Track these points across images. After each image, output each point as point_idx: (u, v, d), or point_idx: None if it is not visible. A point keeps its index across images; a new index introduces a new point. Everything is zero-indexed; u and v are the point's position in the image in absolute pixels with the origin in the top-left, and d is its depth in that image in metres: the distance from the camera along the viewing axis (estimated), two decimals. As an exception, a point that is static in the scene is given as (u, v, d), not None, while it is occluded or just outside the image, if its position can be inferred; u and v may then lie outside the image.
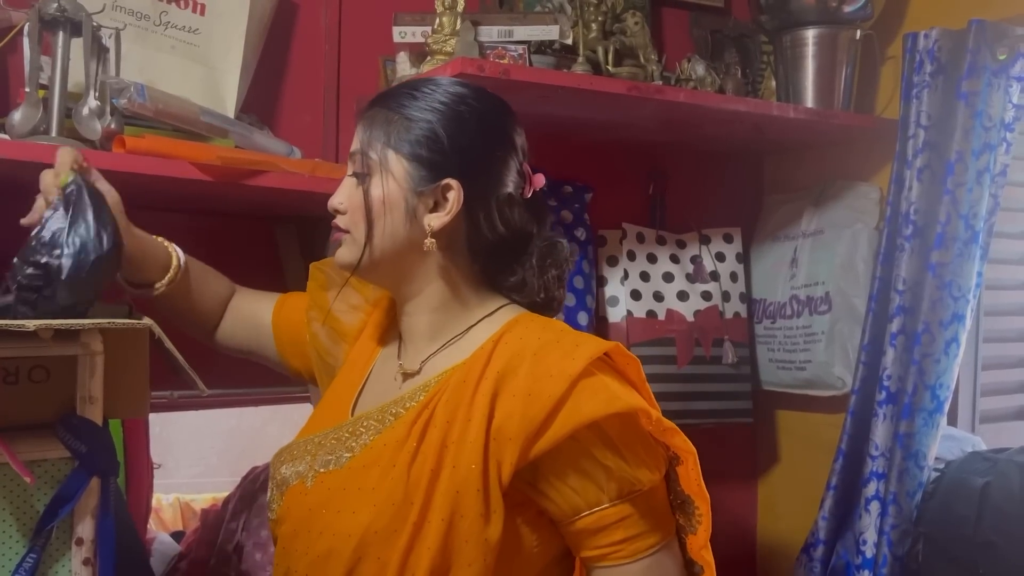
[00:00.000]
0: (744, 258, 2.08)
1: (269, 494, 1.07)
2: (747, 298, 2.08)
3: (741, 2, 2.11)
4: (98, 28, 1.23)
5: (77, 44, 1.22)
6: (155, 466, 1.63)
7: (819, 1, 1.90)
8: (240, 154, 1.33)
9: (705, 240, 2.04)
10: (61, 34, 1.21)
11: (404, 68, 1.64)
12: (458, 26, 1.55)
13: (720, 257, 2.04)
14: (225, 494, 1.64)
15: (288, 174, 1.34)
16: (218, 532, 1.55)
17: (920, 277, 1.74)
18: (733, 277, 2.05)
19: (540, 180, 1.08)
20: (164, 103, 1.28)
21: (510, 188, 1.03)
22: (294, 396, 1.69)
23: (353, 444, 0.99)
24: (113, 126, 1.24)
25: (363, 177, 1.01)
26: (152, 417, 1.55)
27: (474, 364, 0.96)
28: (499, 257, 1.04)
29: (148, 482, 1.57)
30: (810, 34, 1.92)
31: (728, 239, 2.07)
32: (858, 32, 1.94)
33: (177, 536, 1.76)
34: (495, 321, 1.02)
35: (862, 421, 1.79)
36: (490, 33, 1.60)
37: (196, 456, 2.77)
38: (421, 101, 1.00)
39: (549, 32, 1.64)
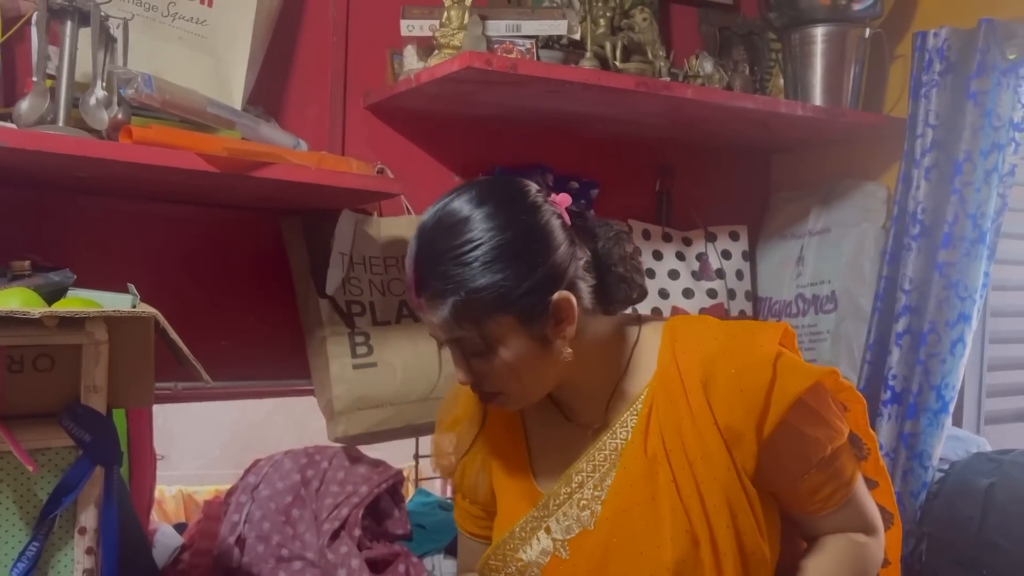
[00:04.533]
0: (750, 256, 2.08)
1: None
2: (753, 296, 2.07)
3: (750, -1, 2.11)
4: (106, 18, 1.23)
5: (85, 34, 1.22)
6: (158, 457, 1.64)
7: (828, -2, 1.89)
8: (246, 145, 1.33)
9: (711, 237, 2.03)
10: (69, 24, 1.21)
11: (411, 62, 1.64)
12: (466, 20, 1.55)
13: (726, 255, 2.04)
14: (228, 486, 1.64)
15: (294, 166, 1.34)
16: (220, 524, 1.55)
17: (927, 277, 1.73)
18: (739, 275, 2.04)
19: (566, 200, 1.03)
20: (171, 94, 1.28)
21: (568, 242, 1.00)
22: (298, 389, 1.69)
23: (583, 501, 1.04)
24: (120, 116, 1.24)
25: (483, 355, 0.98)
26: (156, 408, 1.55)
27: (667, 381, 1.02)
28: (608, 295, 1.05)
29: (151, 473, 1.57)
30: (819, 32, 1.91)
31: (734, 237, 2.06)
32: (867, 30, 1.93)
33: (180, 528, 1.76)
34: (647, 344, 1.06)
35: (867, 421, 1.78)
36: (498, 27, 1.60)
37: (199, 448, 2.78)
38: (472, 259, 0.94)
39: (557, 27, 1.64)
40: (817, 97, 1.92)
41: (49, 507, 0.97)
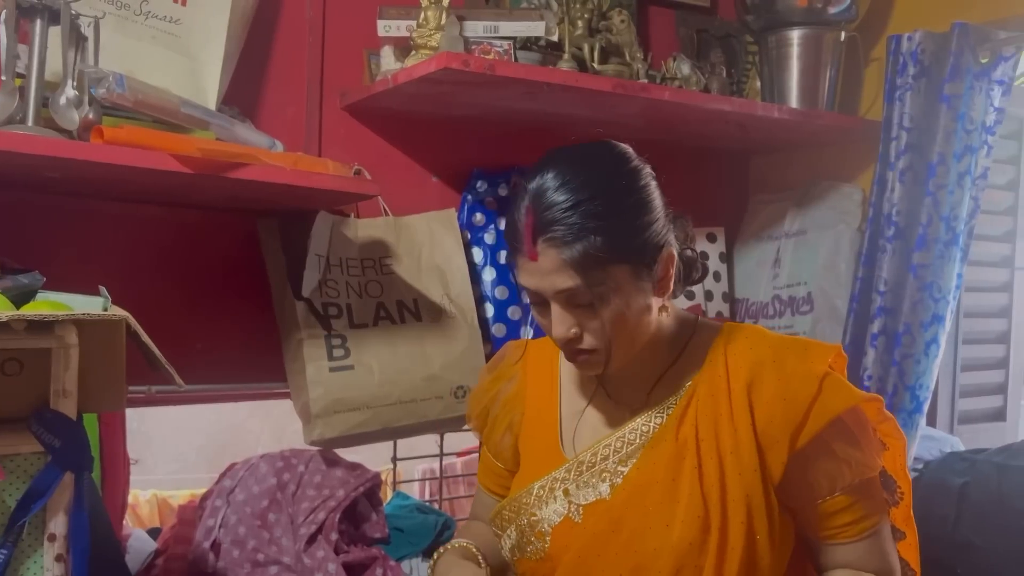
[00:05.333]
0: (727, 258, 2.09)
1: (514, 539, 1.11)
2: (730, 297, 2.08)
3: (727, 2, 2.12)
4: (77, 16, 1.21)
5: (55, 32, 1.20)
6: (132, 462, 1.61)
7: (805, 2, 1.90)
8: (220, 146, 1.31)
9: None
10: (39, 22, 1.18)
11: (388, 62, 1.63)
12: (443, 20, 1.54)
13: (703, 256, 2.04)
14: (204, 490, 1.63)
15: (270, 167, 1.33)
16: (195, 529, 1.53)
17: (901, 278, 1.75)
18: (716, 277, 2.05)
19: None
20: (144, 94, 1.26)
21: (663, 205, 1.04)
22: (274, 392, 1.67)
23: (605, 473, 1.06)
24: (91, 116, 1.22)
25: (592, 306, 0.99)
26: (130, 412, 1.53)
27: (714, 377, 1.05)
28: (685, 271, 1.11)
29: (124, 478, 1.55)
30: (795, 35, 1.93)
31: (712, 238, 2.07)
32: (842, 34, 1.95)
33: (154, 533, 1.74)
34: (701, 339, 1.09)
35: (842, 421, 1.80)
36: (475, 28, 1.59)
37: (174, 452, 2.75)
38: (596, 205, 0.97)
39: (535, 28, 1.64)
40: (793, 100, 1.93)
41: (18, 514, 0.95)
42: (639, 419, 1.07)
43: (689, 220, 1.13)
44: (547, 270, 0.98)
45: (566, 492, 1.07)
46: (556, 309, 1.00)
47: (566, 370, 1.16)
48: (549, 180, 0.98)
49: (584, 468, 1.07)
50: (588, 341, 1.01)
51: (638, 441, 1.06)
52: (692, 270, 1.12)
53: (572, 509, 1.06)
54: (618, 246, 0.97)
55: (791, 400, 1.00)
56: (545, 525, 1.08)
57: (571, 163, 1.00)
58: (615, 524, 1.03)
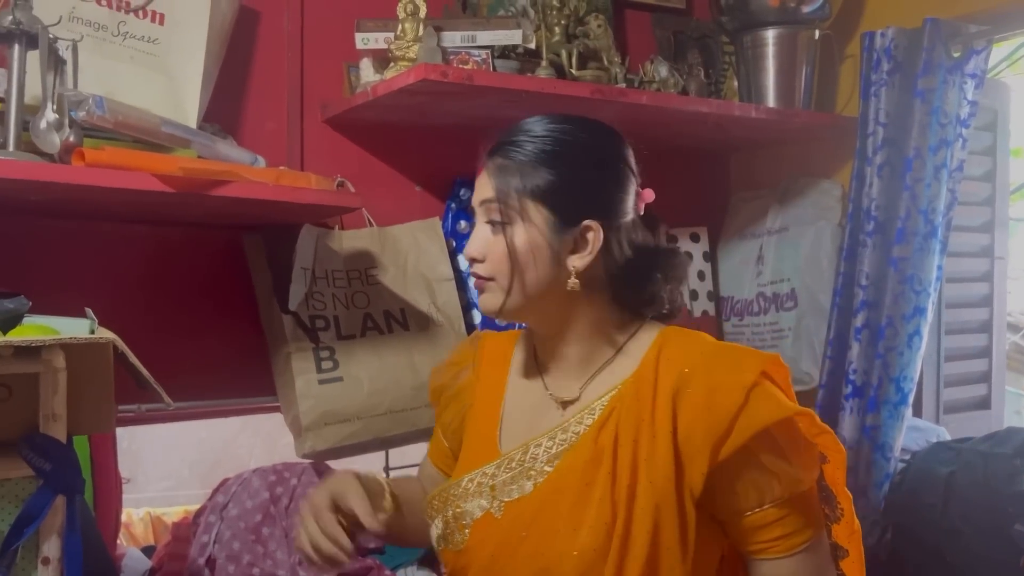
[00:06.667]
0: (711, 256, 2.10)
1: (440, 529, 1.11)
2: (715, 296, 2.10)
3: (702, 3, 2.13)
4: (55, 40, 1.22)
5: (34, 57, 1.20)
6: (124, 480, 1.62)
7: (778, 1, 1.92)
8: (202, 164, 1.32)
9: (672, 239, 2.06)
10: (17, 47, 1.19)
11: (368, 74, 1.64)
12: (421, 32, 1.55)
13: (687, 256, 2.06)
14: (197, 507, 1.63)
15: (252, 183, 1.33)
16: (190, 545, 1.53)
17: (882, 272, 1.77)
18: (700, 276, 2.07)
19: (650, 195, 1.11)
20: (124, 114, 1.26)
21: (632, 213, 1.07)
22: (264, 407, 1.68)
23: (532, 472, 1.05)
24: (72, 139, 1.22)
25: (503, 226, 1.03)
26: (121, 431, 1.53)
27: (641, 381, 1.03)
28: (630, 278, 1.09)
29: (117, 497, 1.55)
30: (770, 34, 1.95)
31: (695, 238, 2.09)
32: (816, 32, 1.97)
33: (148, 551, 1.74)
34: (641, 340, 1.08)
35: (829, 415, 1.81)
36: (453, 39, 1.60)
37: (167, 469, 2.74)
38: (548, 146, 1.03)
39: (512, 36, 1.65)
40: (770, 99, 1.95)
41: (10, 538, 0.95)
42: (570, 418, 1.07)
43: (685, 260, 1.13)
44: (482, 180, 1.04)
45: (492, 488, 1.08)
46: (477, 226, 1.05)
47: (516, 364, 1.16)
48: (530, 121, 1.05)
49: (514, 465, 1.07)
50: (486, 268, 1.04)
51: (566, 443, 1.05)
52: (652, 300, 1.09)
53: (495, 505, 1.07)
54: (547, 187, 1.01)
55: (715, 410, 0.97)
56: (468, 519, 1.08)
57: (556, 116, 1.06)
58: (529, 524, 1.03)
